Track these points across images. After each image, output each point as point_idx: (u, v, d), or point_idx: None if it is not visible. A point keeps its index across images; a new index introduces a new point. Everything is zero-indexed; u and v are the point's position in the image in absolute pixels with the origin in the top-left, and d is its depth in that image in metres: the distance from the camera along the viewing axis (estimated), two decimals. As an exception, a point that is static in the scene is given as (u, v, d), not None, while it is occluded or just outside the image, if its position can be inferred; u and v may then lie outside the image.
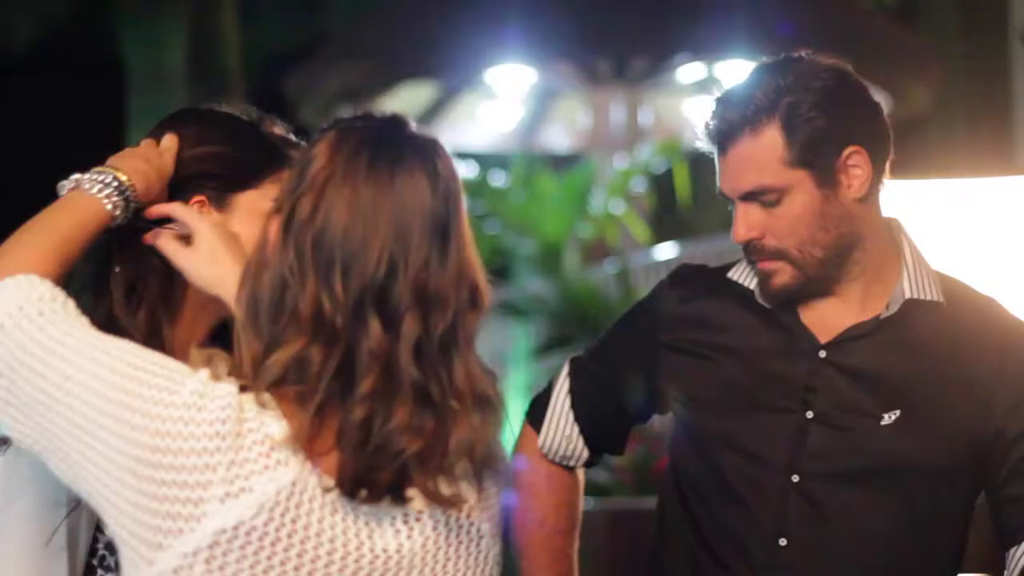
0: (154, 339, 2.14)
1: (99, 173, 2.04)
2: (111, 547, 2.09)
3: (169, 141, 2.16)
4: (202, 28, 13.13)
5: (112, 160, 2.08)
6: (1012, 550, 2.52)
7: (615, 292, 9.36)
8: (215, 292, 2.09)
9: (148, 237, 2.11)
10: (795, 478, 2.51)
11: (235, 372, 1.83)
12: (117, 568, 2.07)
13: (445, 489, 1.83)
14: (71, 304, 1.89)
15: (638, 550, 2.78)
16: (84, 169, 2.10)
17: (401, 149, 1.86)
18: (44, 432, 1.82)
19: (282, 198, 1.87)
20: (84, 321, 1.88)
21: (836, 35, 10.16)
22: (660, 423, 3.84)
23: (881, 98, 2.58)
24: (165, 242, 2.11)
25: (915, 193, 5.17)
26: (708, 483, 2.58)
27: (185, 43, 13.04)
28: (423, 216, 1.83)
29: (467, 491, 1.86)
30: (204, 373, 1.81)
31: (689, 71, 11.20)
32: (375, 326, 1.79)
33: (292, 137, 2.29)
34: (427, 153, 1.87)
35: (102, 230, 2.03)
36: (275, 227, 1.85)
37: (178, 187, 2.17)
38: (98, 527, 2.10)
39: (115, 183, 2.03)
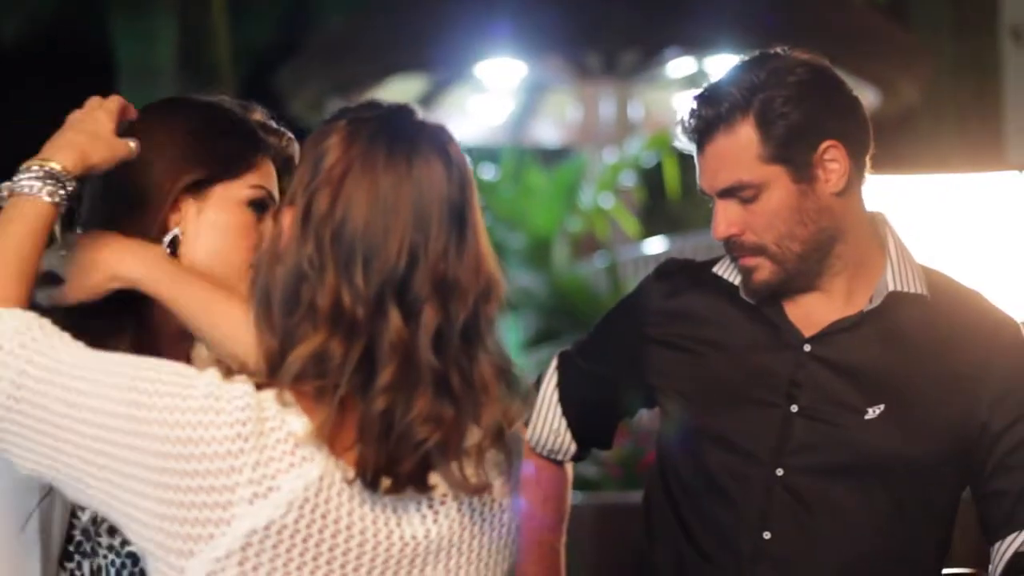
0: (142, 327, 2.13)
1: (27, 171, 1.95)
2: (87, 533, 2.09)
3: (112, 102, 2.07)
4: (192, 22, 13.11)
5: (42, 152, 1.99)
6: (997, 544, 2.52)
7: (604, 286, 9.37)
8: (109, 284, 2.06)
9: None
10: (780, 472, 2.51)
11: (244, 369, 1.82)
12: (93, 553, 2.08)
13: (472, 476, 1.82)
14: (48, 324, 1.84)
15: (625, 544, 2.78)
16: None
17: (415, 137, 1.84)
18: (55, 462, 1.79)
19: (295, 191, 1.84)
20: (67, 338, 1.84)
21: (826, 30, 10.17)
22: (649, 417, 3.84)
23: (870, 93, 2.58)
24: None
25: (904, 188, 5.17)
26: (694, 477, 2.58)
27: (175, 36, 13.03)
28: (440, 204, 1.82)
29: (494, 475, 1.86)
30: (213, 373, 1.78)
31: (679, 65, 11.21)
32: (395, 317, 1.77)
33: (272, 123, 2.28)
34: (440, 140, 1.86)
35: (53, 223, 1.96)
36: (289, 220, 1.83)
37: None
38: (73, 513, 2.09)
39: (44, 173, 1.94)
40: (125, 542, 2.05)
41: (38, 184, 1.93)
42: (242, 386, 1.77)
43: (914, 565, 2.55)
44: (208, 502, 1.74)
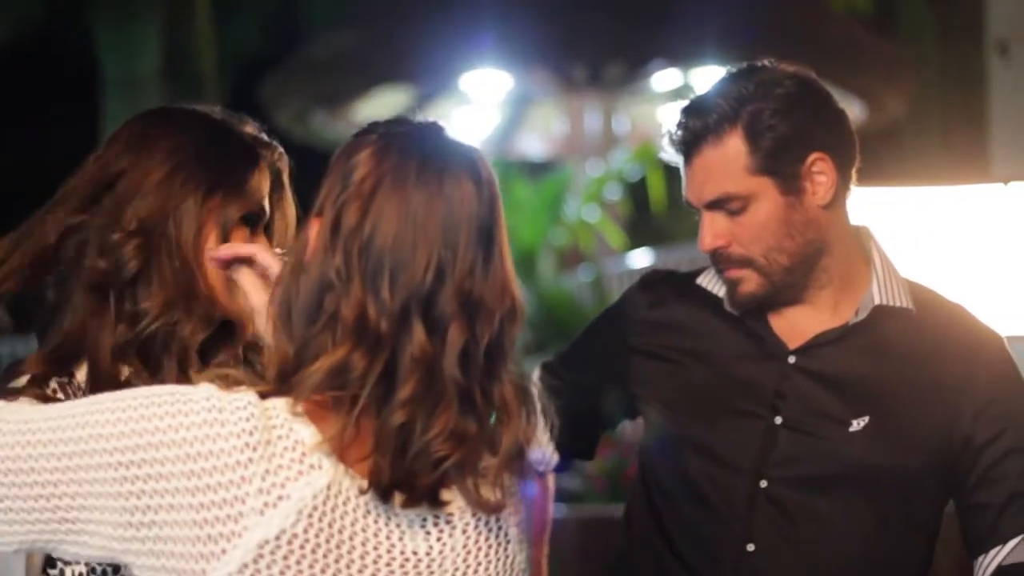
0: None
1: None
2: None
3: None
4: (177, 32, 13.11)
5: None
6: (980, 558, 2.52)
7: (589, 299, 9.38)
8: None
9: (224, 266, 2.13)
10: (763, 483, 2.50)
11: (249, 380, 1.81)
12: (76, 560, 2.06)
13: (488, 494, 1.82)
14: (11, 404, 1.86)
15: (609, 558, 2.77)
16: (59, 172, 2.11)
17: (447, 154, 1.85)
18: (48, 523, 1.78)
19: (323, 203, 1.84)
20: (38, 406, 1.85)
21: (812, 43, 10.19)
22: (633, 429, 3.83)
23: (855, 106, 2.58)
24: (245, 278, 2.12)
25: (889, 201, 5.17)
26: (676, 487, 2.58)
27: (160, 47, 13.02)
28: (469, 222, 1.82)
29: (507, 495, 1.86)
30: (209, 385, 1.78)
31: (664, 78, 11.22)
32: (419, 332, 1.77)
33: (264, 137, 2.28)
34: (471, 158, 1.87)
35: None
36: (315, 232, 1.83)
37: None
38: None
39: None
40: None
41: None
42: (245, 395, 1.77)
43: (897, 577, 2.55)
44: (220, 516, 1.73)
